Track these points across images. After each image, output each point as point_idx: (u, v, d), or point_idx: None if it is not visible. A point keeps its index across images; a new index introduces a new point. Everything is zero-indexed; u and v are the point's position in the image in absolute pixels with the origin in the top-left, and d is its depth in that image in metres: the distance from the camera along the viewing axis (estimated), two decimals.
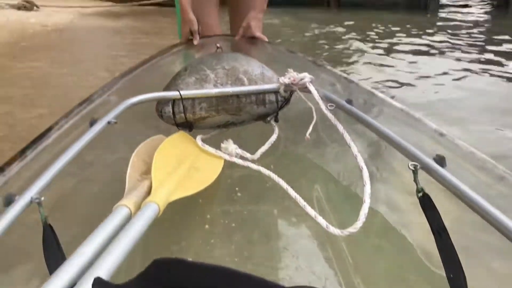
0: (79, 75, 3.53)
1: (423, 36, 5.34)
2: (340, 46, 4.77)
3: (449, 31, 5.71)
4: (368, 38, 5.22)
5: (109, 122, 1.03)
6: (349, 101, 1.14)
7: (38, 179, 0.80)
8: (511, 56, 4.28)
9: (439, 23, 6.45)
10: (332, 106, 1.12)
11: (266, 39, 1.80)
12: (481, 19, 7.02)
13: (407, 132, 0.99)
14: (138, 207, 0.77)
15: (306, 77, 1.15)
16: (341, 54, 4.39)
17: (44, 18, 6.23)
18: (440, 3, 7.90)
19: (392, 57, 4.21)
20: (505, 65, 3.95)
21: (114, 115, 1.06)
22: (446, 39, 5.22)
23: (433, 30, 5.79)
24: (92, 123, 1.03)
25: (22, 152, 0.93)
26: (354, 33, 5.43)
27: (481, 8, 7.96)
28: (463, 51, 4.45)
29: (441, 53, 4.44)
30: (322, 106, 1.08)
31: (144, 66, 1.54)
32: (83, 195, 1.04)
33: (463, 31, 5.74)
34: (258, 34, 1.79)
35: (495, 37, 5.27)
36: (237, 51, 1.58)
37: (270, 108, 1.24)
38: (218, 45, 1.61)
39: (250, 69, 1.27)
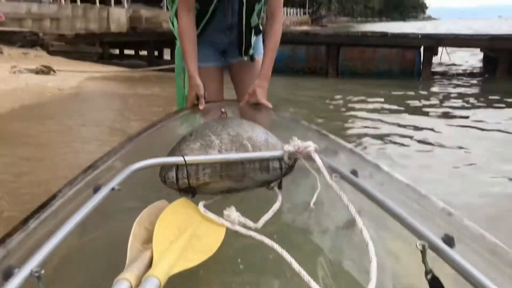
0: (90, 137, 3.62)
1: (418, 101, 5.53)
2: (339, 111, 4.93)
3: (441, 96, 5.91)
4: (363, 103, 5.39)
5: (113, 189, 1.03)
6: (354, 172, 1.14)
7: (39, 251, 0.78)
8: (500, 114, 4.58)
9: (432, 89, 6.68)
10: (337, 176, 1.11)
11: (271, 106, 1.86)
12: (470, 85, 7.29)
13: (413, 208, 0.97)
14: (139, 281, 0.76)
15: (311, 146, 1.16)
16: (340, 117, 4.52)
17: (60, 82, 6.49)
18: (432, 70, 8.13)
19: (386, 119, 4.36)
20: (493, 122, 4.23)
21: (118, 181, 1.05)
22: (438, 102, 5.41)
23: (426, 95, 5.99)
24: (96, 189, 1.02)
25: (25, 222, 0.91)
26: (351, 99, 5.63)
27: (470, 76, 8.28)
28: (453, 114, 4.63)
29: (434, 115, 4.60)
30: (327, 176, 1.07)
31: (150, 130, 1.55)
32: (84, 266, 1.02)
33: (454, 96, 5.93)
34: (263, 100, 1.84)
35: (483, 99, 5.49)
36: (242, 117, 1.61)
37: (274, 175, 1.24)
38: (223, 110, 1.63)
39: (254, 135, 1.29)
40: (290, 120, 1.70)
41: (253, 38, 1.96)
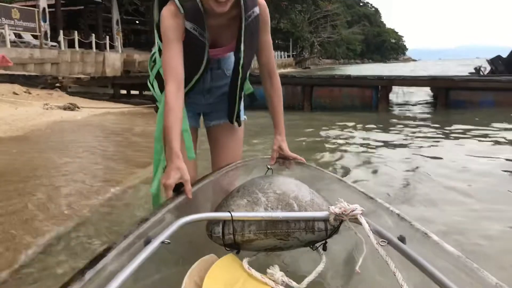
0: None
1: (376, 130, 7.11)
2: (314, 135, 6.45)
3: (398, 125, 7.53)
4: (332, 129, 6.98)
5: (162, 242, 1.04)
6: (402, 239, 1.10)
7: None
8: (453, 142, 5.83)
9: (391, 120, 8.35)
10: (384, 242, 1.08)
11: (304, 160, 1.80)
12: (424, 115, 9.04)
13: (464, 281, 0.94)
14: None
15: (357, 209, 1.14)
16: (315, 143, 5.94)
17: (86, 116, 8.08)
18: (389, 103, 9.93)
19: (351, 146, 5.70)
20: (449, 151, 5.10)
21: (168, 235, 1.07)
22: (395, 132, 6.96)
23: (383, 125, 7.60)
24: (147, 242, 1.05)
25: (81, 273, 0.94)
26: (322, 125, 7.22)
27: (424, 107, 10.09)
28: (409, 143, 5.79)
29: (390, 144, 5.78)
30: (373, 241, 1.06)
31: (199, 185, 1.54)
32: None
33: (410, 125, 7.56)
34: (294, 154, 1.81)
35: (436, 129, 6.99)
36: (280, 174, 1.60)
37: (319, 235, 1.24)
38: (268, 166, 1.64)
39: (300, 194, 1.28)
40: (334, 178, 1.65)
41: (242, 106, 1.93)
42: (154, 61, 1.87)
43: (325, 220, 1.21)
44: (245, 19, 1.66)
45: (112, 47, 25.07)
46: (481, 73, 11.13)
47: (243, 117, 1.96)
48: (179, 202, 1.35)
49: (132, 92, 11.03)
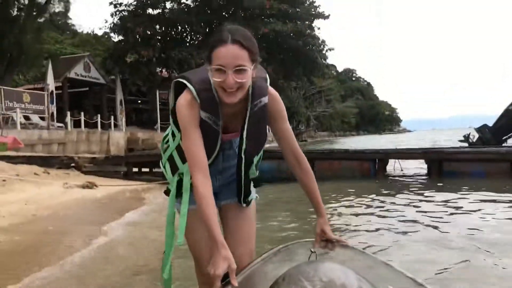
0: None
1: (374, 196, 7.71)
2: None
3: (393, 192, 8.14)
4: (335, 196, 7.55)
5: None
6: None
7: None
8: (440, 208, 6.43)
9: (384, 186, 8.96)
10: None
11: (349, 244, 1.78)
12: (411, 183, 9.66)
13: None
14: None
15: None
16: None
17: (105, 193, 8.65)
18: (386, 173, 10.57)
19: (349, 213, 6.37)
20: (438, 217, 5.66)
21: None
22: (391, 197, 7.57)
23: (382, 192, 8.20)
24: None
25: None
26: (323, 195, 7.81)
27: (414, 177, 10.72)
28: (400, 209, 6.49)
29: (385, 209, 6.46)
30: None
31: (245, 273, 1.54)
32: None
33: (404, 192, 8.15)
34: (337, 237, 1.78)
35: (428, 195, 7.63)
36: (325, 259, 1.57)
37: None
38: (312, 250, 1.62)
39: (347, 282, 1.25)
40: (380, 263, 1.60)
41: (252, 186, 1.91)
42: (167, 142, 1.88)
43: None
44: (250, 108, 1.70)
45: (115, 125, 26.14)
46: (470, 140, 11.88)
47: (254, 195, 1.94)
48: None
49: (143, 169, 11.65)
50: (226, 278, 1.44)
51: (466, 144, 11.97)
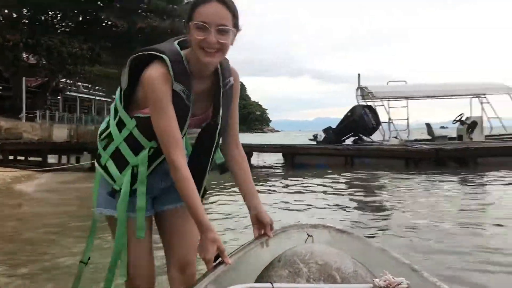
0: None
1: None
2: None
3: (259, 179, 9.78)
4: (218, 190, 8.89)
5: None
6: None
7: None
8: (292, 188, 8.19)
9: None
10: None
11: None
12: (271, 173, 11.55)
13: None
14: None
15: (403, 282, 1.13)
16: None
17: None
18: (250, 164, 12.33)
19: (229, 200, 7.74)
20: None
21: None
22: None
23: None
24: None
25: None
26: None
27: (273, 168, 12.69)
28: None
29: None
30: None
31: (239, 254, 1.50)
32: None
33: (266, 178, 9.86)
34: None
35: (282, 181, 9.39)
36: (321, 243, 1.54)
37: None
38: (309, 234, 1.59)
39: (343, 266, 1.26)
40: (377, 248, 1.57)
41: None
42: (108, 136, 1.63)
43: None
44: (223, 85, 1.60)
45: None
46: (318, 139, 14.26)
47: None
48: (220, 273, 1.33)
49: (19, 157, 11.80)
50: (216, 260, 1.43)
51: (315, 142, 14.34)
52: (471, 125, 14.33)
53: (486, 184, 8.91)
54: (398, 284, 1.13)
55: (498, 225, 4.94)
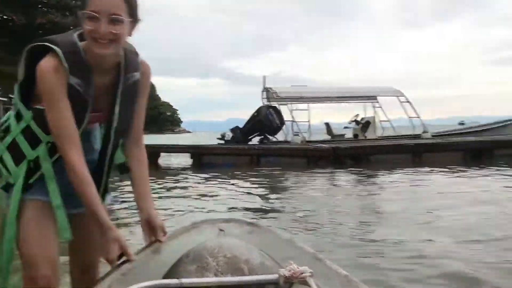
0: None
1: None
2: None
3: (165, 179, 9.90)
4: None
5: None
6: None
7: None
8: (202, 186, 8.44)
9: (159, 176, 10.67)
10: None
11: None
12: (184, 172, 11.72)
13: None
14: None
15: (307, 271, 1.17)
16: None
17: None
18: (158, 164, 12.42)
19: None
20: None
21: None
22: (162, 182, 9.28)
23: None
24: None
25: None
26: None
27: (185, 167, 12.81)
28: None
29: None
30: None
31: (147, 250, 1.49)
32: None
33: (173, 179, 9.99)
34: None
35: (188, 180, 9.59)
36: (231, 237, 1.54)
37: None
38: (221, 228, 1.61)
39: (251, 258, 1.30)
40: (285, 239, 1.64)
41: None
42: (7, 130, 1.57)
43: (275, 283, 1.20)
44: (124, 80, 1.54)
45: None
46: (225, 139, 14.64)
47: (109, 197, 1.73)
48: (125, 271, 1.32)
49: None
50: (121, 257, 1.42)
51: (223, 142, 14.70)
52: (365, 124, 15.64)
53: (376, 178, 9.87)
54: (302, 273, 1.17)
55: (381, 216, 5.63)
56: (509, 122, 16.21)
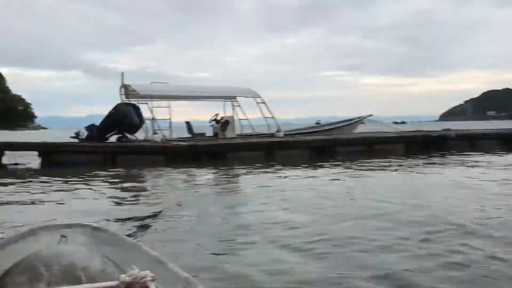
0: None
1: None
2: None
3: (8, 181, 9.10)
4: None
5: None
6: None
7: None
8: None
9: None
10: None
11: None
12: (31, 173, 10.93)
13: None
14: None
15: (148, 276, 1.17)
16: None
17: None
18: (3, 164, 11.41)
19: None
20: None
21: None
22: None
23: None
24: None
25: None
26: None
27: (30, 166, 12.00)
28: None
29: None
30: None
31: None
32: None
33: (19, 182, 9.25)
34: None
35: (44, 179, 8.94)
36: (73, 243, 1.47)
37: None
38: (62, 234, 1.52)
39: (91, 265, 1.23)
40: (131, 243, 1.59)
41: None
42: None
43: None
44: None
45: None
46: (80, 137, 13.90)
47: None
48: None
49: None
50: None
51: (77, 140, 13.93)
52: (225, 123, 16.23)
53: (230, 172, 10.47)
54: (143, 278, 1.15)
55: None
56: (353, 121, 18.57)
